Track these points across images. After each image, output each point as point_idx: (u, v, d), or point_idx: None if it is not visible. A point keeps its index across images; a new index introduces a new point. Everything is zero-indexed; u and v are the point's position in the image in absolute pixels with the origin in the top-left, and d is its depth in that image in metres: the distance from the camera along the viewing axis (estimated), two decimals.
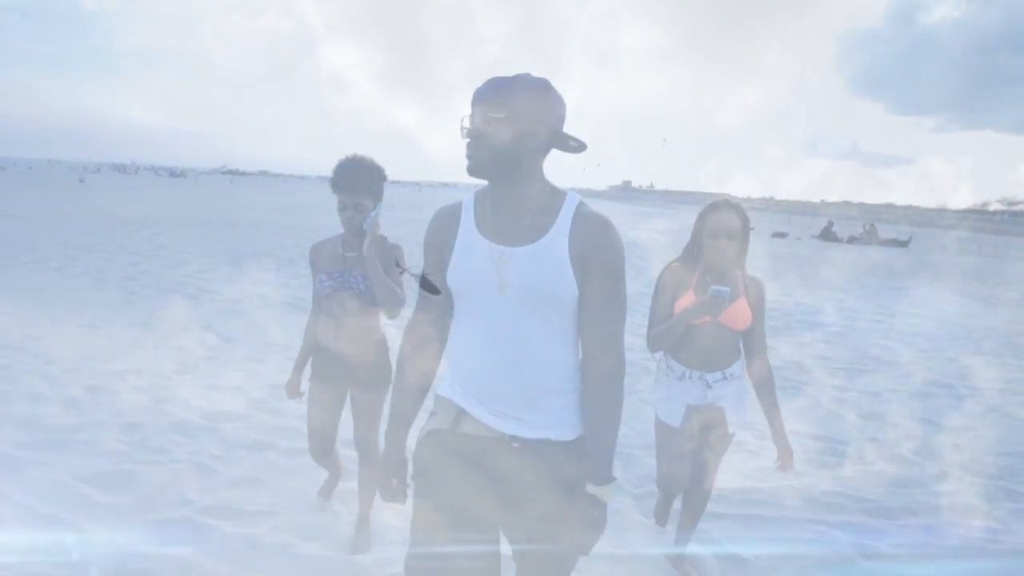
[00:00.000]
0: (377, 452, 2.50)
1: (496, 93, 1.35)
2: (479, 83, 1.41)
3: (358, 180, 2.32)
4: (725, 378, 2.32)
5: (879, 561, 2.75)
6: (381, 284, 2.29)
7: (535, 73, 1.40)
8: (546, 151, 1.42)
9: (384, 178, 2.41)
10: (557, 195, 1.45)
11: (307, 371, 2.66)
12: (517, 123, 1.35)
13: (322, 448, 2.66)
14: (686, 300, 2.26)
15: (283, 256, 10.82)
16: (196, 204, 25.52)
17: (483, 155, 1.38)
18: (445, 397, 1.49)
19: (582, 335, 1.44)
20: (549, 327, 1.41)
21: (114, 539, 2.55)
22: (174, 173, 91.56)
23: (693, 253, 2.34)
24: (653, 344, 2.34)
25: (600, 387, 1.42)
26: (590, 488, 1.39)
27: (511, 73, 1.40)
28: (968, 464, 3.76)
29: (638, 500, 3.18)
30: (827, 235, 22.29)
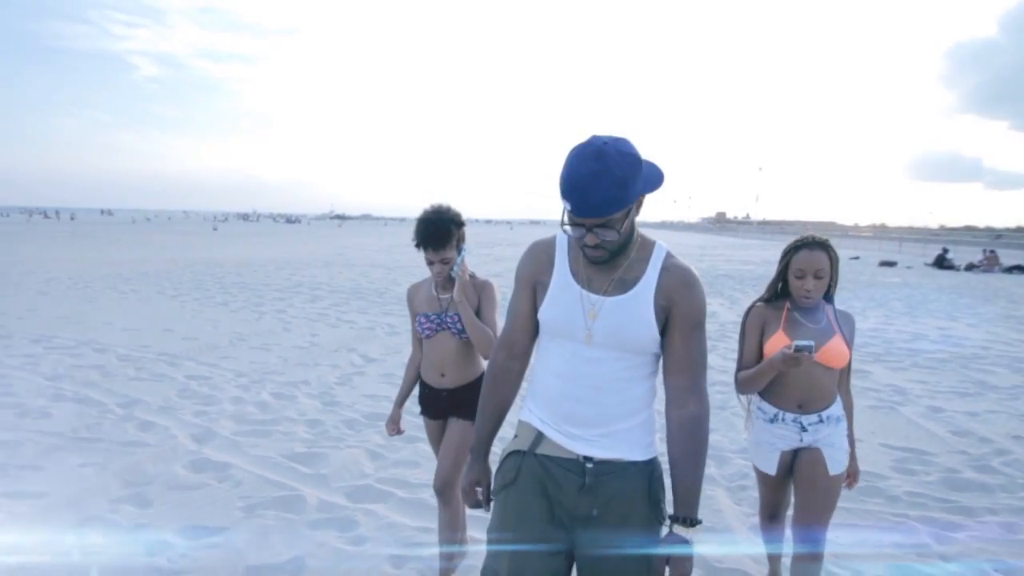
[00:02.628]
0: (458, 493, 2.48)
1: (599, 201, 1.33)
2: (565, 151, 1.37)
3: (440, 236, 2.32)
4: (822, 421, 2.16)
5: (954, 546, 3.08)
6: (473, 327, 2.32)
7: (614, 135, 1.38)
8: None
9: (462, 224, 2.41)
10: (646, 246, 1.51)
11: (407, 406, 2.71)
12: (632, 211, 1.41)
13: None
14: (776, 341, 2.14)
15: (400, 292, 12.06)
16: (314, 247, 28.11)
17: (608, 251, 1.43)
18: (525, 421, 1.60)
19: (667, 381, 1.51)
20: (629, 366, 1.49)
21: (321, 498, 3.40)
22: (290, 219, 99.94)
23: (778, 291, 2.25)
24: (740, 388, 2.24)
25: (686, 432, 1.47)
26: (679, 529, 1.44)
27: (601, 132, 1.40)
28: None
29: (731, 493, 3.67)
30: (941, 263, 21.03)
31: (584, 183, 1.33)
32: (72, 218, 77.73)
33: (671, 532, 1.45)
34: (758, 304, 2.28)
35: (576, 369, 1.49)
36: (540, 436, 1.53)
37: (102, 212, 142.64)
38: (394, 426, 2.64)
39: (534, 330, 1.61)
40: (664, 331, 1.47)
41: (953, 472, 3.95)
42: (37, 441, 4.09)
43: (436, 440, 2.60)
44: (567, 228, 1.42)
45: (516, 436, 1.60)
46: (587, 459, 1.48)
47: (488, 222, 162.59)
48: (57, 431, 4.28)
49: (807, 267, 2.13)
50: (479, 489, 1.67)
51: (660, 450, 1.58)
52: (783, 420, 2.18)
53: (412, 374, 2.62)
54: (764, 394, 2.24)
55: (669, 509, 1.53)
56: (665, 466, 1.54)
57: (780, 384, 2.17)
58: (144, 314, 9.00)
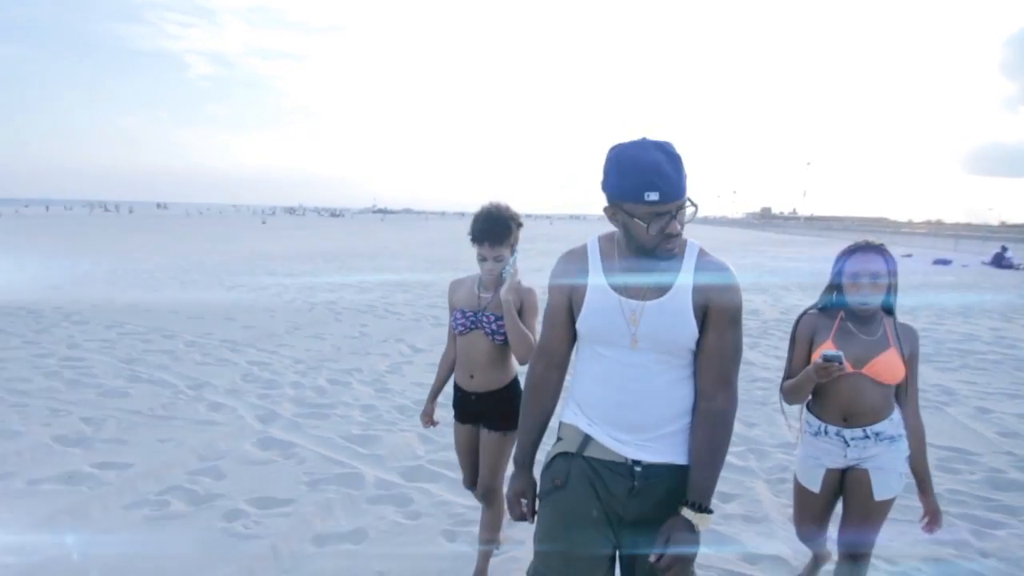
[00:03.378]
0: (500, 496, 2.51)
1: (680, 183, 1.38)
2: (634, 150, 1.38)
3: (498, 233, 2.30)
4: (868, 437, 2.06)
5: (993, 543, 3.12)
6: (515, 329, 2.27)
7: (659, 135, 1.43)
8: None
9: (521, 224, 2.39)
10: (679, 244, 1.49)
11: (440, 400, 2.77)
12: (689, 203, 1.43)
13: (473, 481, 2.63)
14: (826, 348, 2.06)
15: (444, 286, 12.36)
16: (359, 240, 28.81)
17: (677, 243, 1.45)
18: (570, 424, 1.59)
19: (699, 374, 1.51)
20: (672, 367, 1.50)
21: (378, 477, 3.65)
22: (334, 213, 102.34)
23: (832, 298, 2.16)
24: (785, 398, 2.21)
25: (711, 423, 1.49)
26: (686, 512, 1.47)
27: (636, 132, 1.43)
28: None
29: (770, 485, 3.76)
30: (999, 261, 20.17)
31: (663, 167, 1.35)
32: (130, 211, 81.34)
33: (679, 514, 1.46)
34: (810, 312, 2.20)
35: (621, 375, 1.50)
36: (587, 439, 1.53)
37: (157, 206, 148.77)
38: (428, 419, 2.68)
39: (572, 339, 1.61)
40: (701, 328, 1.48)
41: (997, 472, 3.94)
42: (119, 418, 4.48)
43: (462, 445, 2.56)
44: (639, 222, 1.39)
45: (561, 438, 1.59)
46: (636, 463, 1.49)
47: (527, 216, 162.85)
48: (136, 409, 4.67)
49: (862, 271, 2.03)
50: (524, 501, 1.65)
51: None
52: (826, 433, 2.11)
53: (445, 368, 2.64)
54: (811, 406, 2.18)
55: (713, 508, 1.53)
56: None
57: (825, 396, 2.11)
58: (205, 304, 9.52)
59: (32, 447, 3.93)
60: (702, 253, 1.51)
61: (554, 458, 1.59)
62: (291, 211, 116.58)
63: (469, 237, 2.36)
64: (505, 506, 2.54)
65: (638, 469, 1.49)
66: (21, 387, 5.13)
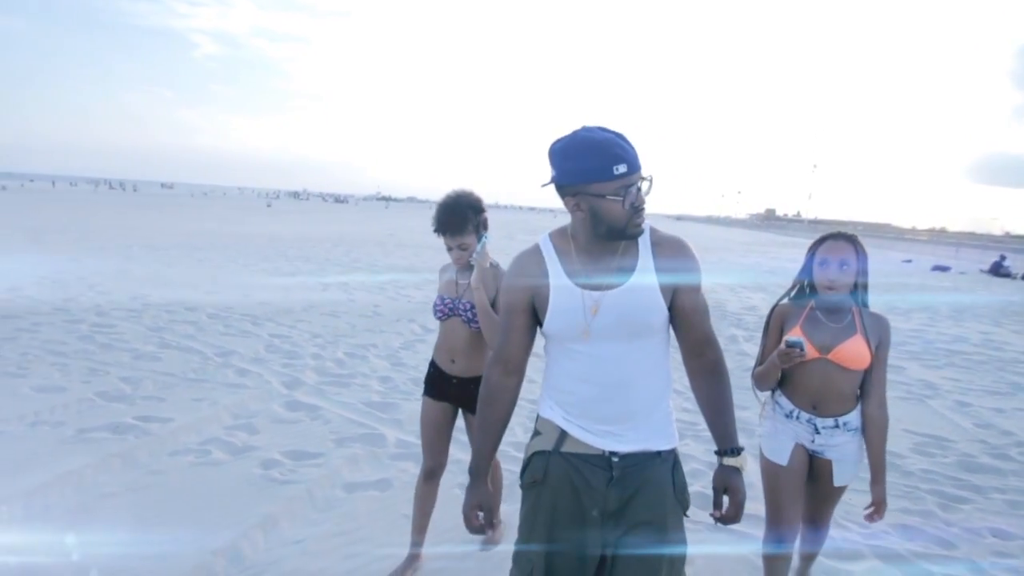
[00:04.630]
0: (495, 466, 2.59)
1: (637, 155, 1.40)
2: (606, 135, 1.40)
3: (457, 222, 2.29)
4: (837, 427, 2.13)
5: (958, 514, 3.44)
6: (485, 317, 2.26)
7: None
8: None
9: (482, 210, 2.37)
10: None
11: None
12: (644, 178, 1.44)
13: (433, 465, 2.55)
14: (792, 335, 2.12)
15: None
16: (365, 227, 29.08)
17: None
18: (547, 419, 1.58)
19: (681, 336, 1.55)
20: (641, 352, 1.50)
21: (398, 438, 3.96)
22: (338, 199, 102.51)
23: (804, 287, 2.21)
24: (755, 384, 2.26)
25: (710, 375, 1.56)
26: (728, 461, 1.53)
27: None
28: None
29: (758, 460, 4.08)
30: (997, 270, 20.47)
31: (620, 140, 1.39)
32: (135, 190, 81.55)
33: (722, 465, 1.54)
34: (783, 302, 2.26)
35: (592, 369, 1.50)
36: (564, 434, 1.53)
37: (162, 185, 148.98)
38: None
39: (530, 344, 1.60)
40: (672, 299, 1.51)
41: (969, 457, 4.26)
42: (154, 379, 4.80)
43: (430, 424, 2.51)
44: (611, 199, 1.39)
45: (538, 433, 1.59)
46: (613, 454, 1.50)
47: (532, 209, 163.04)
48: (169, 372, 4.99)
49: (831, 255, 2.09)
50: (480, 514, 1.61)
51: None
52: (798, 418, 2.16)
53: None
54: (783, 389, 2.22)
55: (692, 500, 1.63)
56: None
57: (796, 382, 2.16)
58: (222, 280, 9.85)
59: (77, 400, 4.25)
60: (654, 230, 1.53)
61: (532, 456, 1.58)
62: (295, 195, 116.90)
63: (433, 229, 2.35)
64: (501, 476, 2.65)
65: (615, 460, 1.50)
66: (58, 348, 5.46)
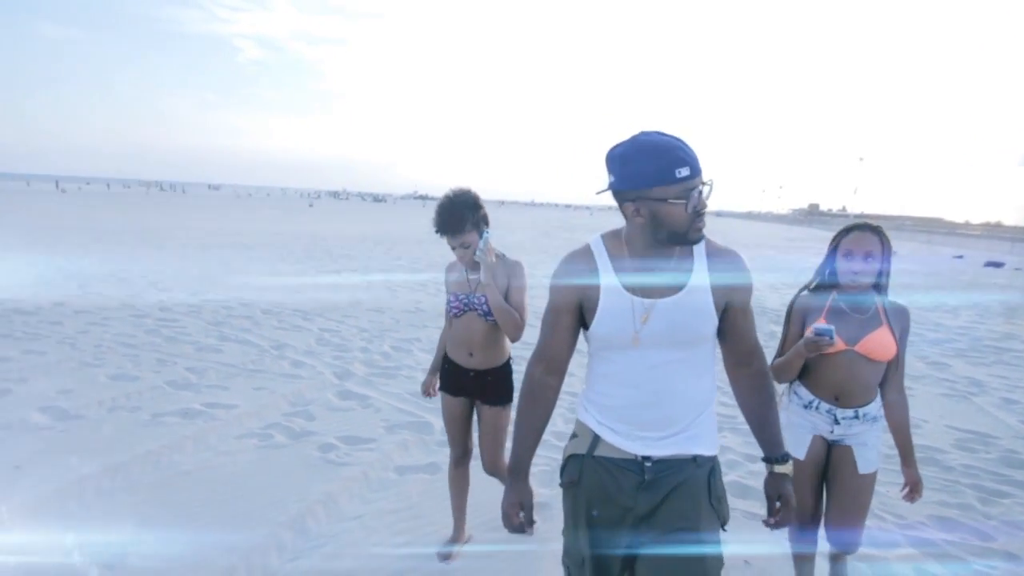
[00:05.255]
0: (504, 467, 2.59)
1: (698, 158, 1.39)
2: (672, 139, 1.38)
3: (455, 222, 2.33)
4: (857, 417, 2.11)
5: (997, 507, 3.44)
6: (500, 311, 2.33)
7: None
8: None
9: (480, 207, 2.39)
10: None
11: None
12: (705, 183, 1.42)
13: (460, 453, 2.69)
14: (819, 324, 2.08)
15: None
16: (404, 225, 29.61)
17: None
18: (583, 422, 1.60)
19: (729, 346, 1.56)
20: (689, 360, 1.49)
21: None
22: (377, 198, 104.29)
23: (825, 277, 2.18)
24: (775, 375, 2.18)
25: (757, 385, 1.58)
26: (778, 468, 1.57)
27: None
28: None
29: None
30: None
31: (682, 143, 1.37)
32: (183, 191, 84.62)
33: (772, 473, 1.58)
34: (804, 293, 2.22)
35: (636, 375, 1.48)
36: (597, 438, 1.54)
37: (209, 187, 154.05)
38: (430, 389, 2.74)
39: (573, 344, 1.58)
40: (722, 311, 1.51)
41: (1012, 453, 4.23)
42: (217, 369, 5.14)
43: (452, 419, 2.61)
44: (673, 203, 1.37)
45: (575, 436, 1.61)
46: (646, 458, 1.50)
47: (568, 207, 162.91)
48: (230, 363, 5.33)
49: (856, 247, 2.06)
50: (521, 512, 1.61)
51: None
52: (817, 409, 2.14)
53: (443, 346, 2.67)
54: (803, 379, 2.19)
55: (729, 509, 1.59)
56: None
57: (819, 373, 2.12)
58: (272, 278, 10.31)
59: (150, 388, 4.61)
60: (708, 241, 1.50)
61: (567, 459, 1.61)
62: (335, 195, 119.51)
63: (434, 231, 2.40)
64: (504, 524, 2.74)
65: (648, 464, 1.49)
66: (128, 341, 5.87)
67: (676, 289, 1.45)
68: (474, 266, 2.45)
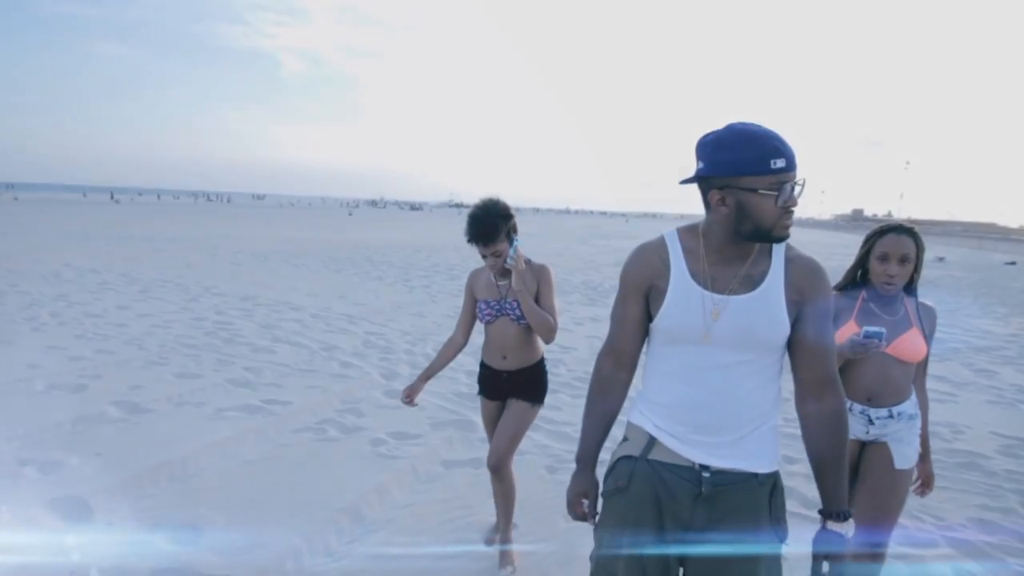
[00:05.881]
0: (511, 470, 2.63)
1: (795, 157, 1.31)
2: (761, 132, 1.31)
3: (489, 232, 2.38)
4: (892, 416, 2.07)
5: None
6: (533, 315, 2.38)
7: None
8: None
9: (511, 216, 2.45)
10: None
11: (431, 383, 2.91)
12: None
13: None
14: (846, 331, 2.06)
15: None
16: (440, 233, 30.06)
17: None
18: (637, 425, 1.52)
19: (801, 374, 1.44)
20: (754, 367, 1.41)
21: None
22: (414, 207, 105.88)
23: (856, 278, 2.16)
24: None
25: (829, 427, 1.42)
26: (832, 525, 1.40)
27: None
28: None
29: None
30: None
31: (779, 135, 1.31)
32: (228, 201, 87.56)
33: (825, 528, 1.42)
34: (833, 292, 2.12)
35: (699, 374, 1.42)
36: (652, 441, 1.46)
37: (254, 197, 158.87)
38: (410, 396, 2.69)
39: (643, 337, 1.53)
40: (794, 324, 1.41)
41: None
42: (272, 369, 5.44)
43: (491, 421, 2.70)
44: (763, 195, 1.30)
45: (626, 439, 1.53)
46: (704, 467, 1.41)
47: (603, 214, 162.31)
48: (284, 363, 5.63)
49: (892, 250, 2.04)
50: (585, 502, 1.58)
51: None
52: (851, 411, 2.07)
53: (446, 355, 2.68)
54: None
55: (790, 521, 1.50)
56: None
57: (851, 374, 2.07)
58: (318, 283, 10.70)
59: (212, 386, 4.93)
60: (789, 247, 1.44)
61: (618, 460, 1.53)
62: (373, 204, 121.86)
63: (466, 240, 2.46)
64: (515, 484, 2.70)
65: (706, 475, 1.41)
66: (189, 342, 6.25)
67: (750, 288, 1.39)
68: (503, 273, 2.51)
